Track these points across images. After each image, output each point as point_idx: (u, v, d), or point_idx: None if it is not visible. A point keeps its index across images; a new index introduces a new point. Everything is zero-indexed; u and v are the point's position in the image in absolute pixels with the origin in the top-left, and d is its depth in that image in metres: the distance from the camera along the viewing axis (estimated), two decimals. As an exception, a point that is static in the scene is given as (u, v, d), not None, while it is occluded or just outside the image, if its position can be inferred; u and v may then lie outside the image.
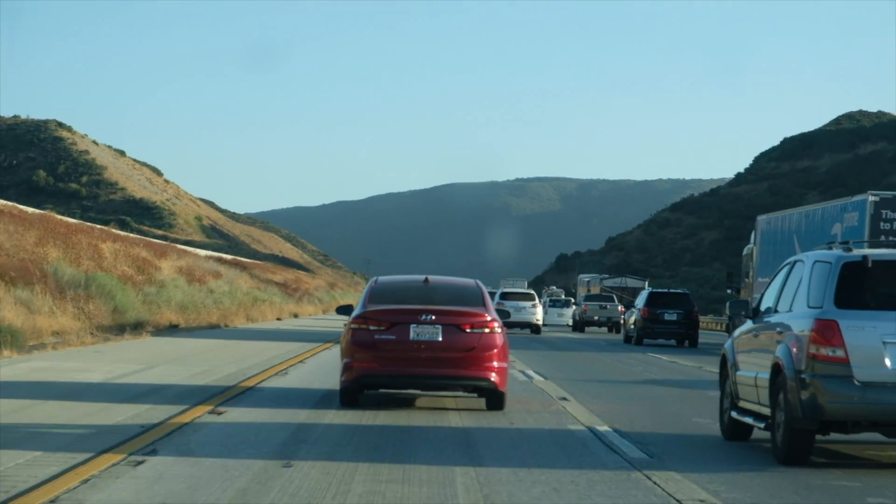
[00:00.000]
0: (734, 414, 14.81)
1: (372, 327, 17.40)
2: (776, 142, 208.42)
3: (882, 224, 37.65)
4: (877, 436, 13.50)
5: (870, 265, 12.82)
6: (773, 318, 14.02)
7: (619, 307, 65.54)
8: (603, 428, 15.65)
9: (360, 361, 17.30)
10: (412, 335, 17.24)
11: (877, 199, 38.18)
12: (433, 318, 17.31)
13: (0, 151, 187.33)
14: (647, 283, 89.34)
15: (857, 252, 13.10)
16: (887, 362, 12.41)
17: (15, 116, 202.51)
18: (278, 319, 59.45)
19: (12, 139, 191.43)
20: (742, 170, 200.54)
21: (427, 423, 15.97)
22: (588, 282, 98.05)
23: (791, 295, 13.78)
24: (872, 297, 12.83)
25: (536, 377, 24.68)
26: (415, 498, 10.13)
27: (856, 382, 12.43)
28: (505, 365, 17.52)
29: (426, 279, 18.74)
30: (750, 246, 51.14)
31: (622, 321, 57.94)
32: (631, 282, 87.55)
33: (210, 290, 55.38)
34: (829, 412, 12.54)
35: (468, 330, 17.39)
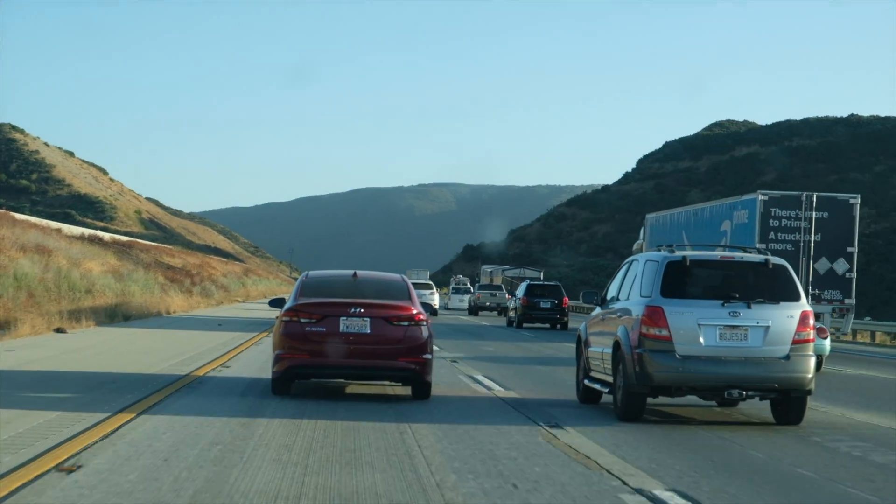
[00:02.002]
0: (587, 382, 16.61)
1: (303, 320, 16.64)
2: (657, 146, 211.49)
3: (771, 221, 37.76)
4: (695, 399, 15.39)
5: (688, 264, 14.72)
6: (616, 305, 15.85)
7: (507, 295, 67.38)
8: (505, 395, 17.60)
9: (291, 353, 16.60)
10: (342, 327, 16.51)
11: (766, 198, 38.10)
12: (362, 311, 16.57)
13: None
14: (542, 273, 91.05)
15: (679, 253, 14.95)
16: (701, 340, 14.24)
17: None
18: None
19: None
20: (629, 170, 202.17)
21: (364, 391, 17.59)
22: (490, 272, 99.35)
23: (629, 287, 15.60)
24: (690, 288, 14.63)
25: (448, 356, 26.05)
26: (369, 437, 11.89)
27: (677, 356, 14.22)
28: (430, 356, 16.75)
29: (355, 274, 18.01)
30: (639, 241, 51.42)
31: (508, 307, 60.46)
32: (529, 272, 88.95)
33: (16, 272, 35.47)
34: (657, 380, 14.32)
35: (395, 323, 16.66)
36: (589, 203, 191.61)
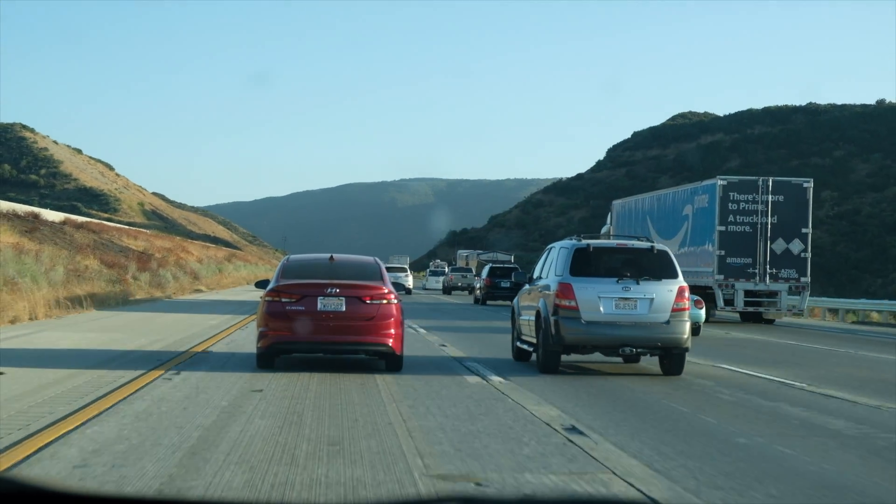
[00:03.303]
0: (518, 344, 19.90)
1: (284, 299, 16.94)
2: (625, 136, 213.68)
3: (730, 205, 38.22)
4: (599, 355, 18.57)
5: (591, 250, 17.99)
6: (539, 283, 19.04)
7: (475, 276, 70.73)
8: (457, 355, 20.76)
9: (273, 330, 16.88)
10: (319, 306, 16.80)
11: (725, 182, 38.52)
12: (337, 290, 16.88)
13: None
14: (512, 257, 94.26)
15: (584, 241, 18.20)
16: (601, 309, 17.43)
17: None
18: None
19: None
20: (601, 158, 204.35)
21: (347, 357, 18.85)
22: (466, 256, 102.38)
23: (548, 269, 18.80)
24: (593, 269, 17.76)
25: (418, 328, 28.87)
26: (351, 384, 14.99)
27: (583, 322, 17.38)
28: (401, 332, 17.20)
29: (331, 257, 18.35)
30: (607, 226, 52.93)
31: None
32: (501, 256, 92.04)
33: None
34: (567, 340, 17.48)
35: (368, 301, 16.94)
36: (565, 190, 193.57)
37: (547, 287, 18.25)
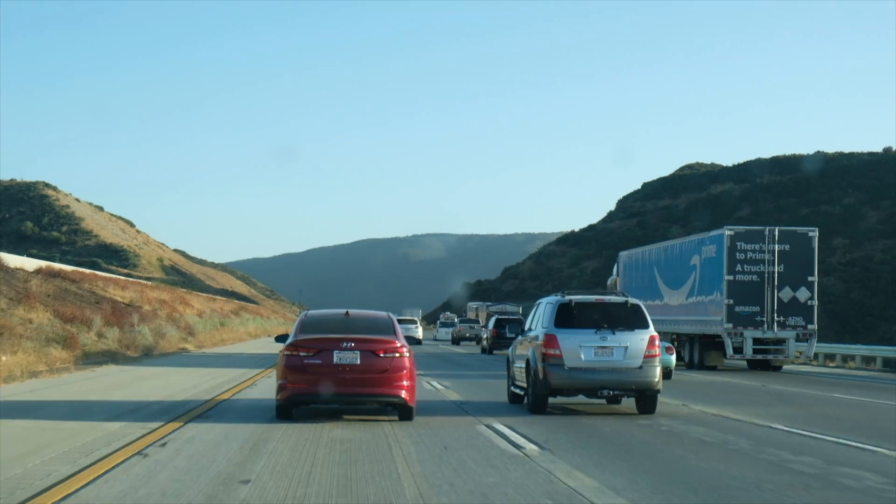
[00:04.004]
0: (512, 388, 22.39)
1: (302, 353, 17.37)
2: (636, 187, 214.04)
3: (738, 254, 38.82)
4: (582, 397, 21.04)
5: (573, 304, 20.51)
6: (529, 334, 21.45)
7: (482, 327, 73.05)
8: (457, 399, 23.25)
9: (292, 382, 17.36)
10: (335, 359, 17.23)
11: (732, 233, 39.12)
12: (353, 345, 17.34)
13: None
14: (520, 309, 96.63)
15: (567, 297, 20.67)
16: (582, 356, 19.80)
17: (11, 179, 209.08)
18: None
19: (7, 197, 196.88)
20: (612, 209, 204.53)
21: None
22: (476, 308, 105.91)
23: (537, 321, 21.23)
24: (575, 321, 20.12)
25: (425, 375, 30.50)
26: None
27: (566, 368, 19.73)
28: (413, 383, 17.79)
29: (347, 312, 18.82)
30: (613, 276, 53.97)
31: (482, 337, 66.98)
32: (509, 307, 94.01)
33: None
34: (553, 385, 19.84)
35: (382, 355, 17.41)
36: (577, 241, 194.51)
37: (536, 338, 20.63)
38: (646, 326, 20.23)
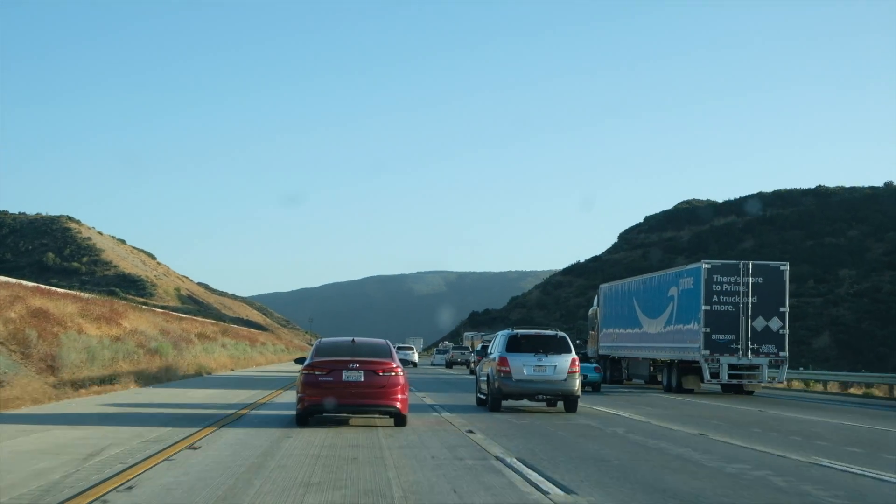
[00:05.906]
0: (478, 395, 30.26)
1: (317, 372, 20.26)
2: (639, 220, 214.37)
3: (714, 286, 40.22)
4: (526, 402, 29.16)
5: (519, 335, 28.45)
6: (490, 356, 29.29)
7: (471, 353, 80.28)
8: (432, 402, 30.68)
9: (309, 396, 20.26)
10: (344, 377, 20.11)
11: (709, 266, 40.32)
12: (358, 366, 20.28)
13: (21, 240, 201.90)
14: None
15: (515, 331, 28.46)
16: (525, 372, 27.47)
17: (37, 214, 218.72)
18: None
19: (32, 230, 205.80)
20: (615, 241, 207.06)
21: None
22: (472, 337, 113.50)
23: (495, 347, 28.97)
24: (521, 347, 27.77)
25: (417, 391, 36.49)
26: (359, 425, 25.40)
27: (513, 380, 27.46)
28: (406, 396, 20.79)
29: (353, 340, 21.87)
30: (594, 308, 57.35)
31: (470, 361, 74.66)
32: None
33: None
34: (504, 392, 27.56)
35: (381, 373, 20.31)
36: (583, 271, 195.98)
37: (494, 359, 28.45)
38: (570, 352, 28.18)
